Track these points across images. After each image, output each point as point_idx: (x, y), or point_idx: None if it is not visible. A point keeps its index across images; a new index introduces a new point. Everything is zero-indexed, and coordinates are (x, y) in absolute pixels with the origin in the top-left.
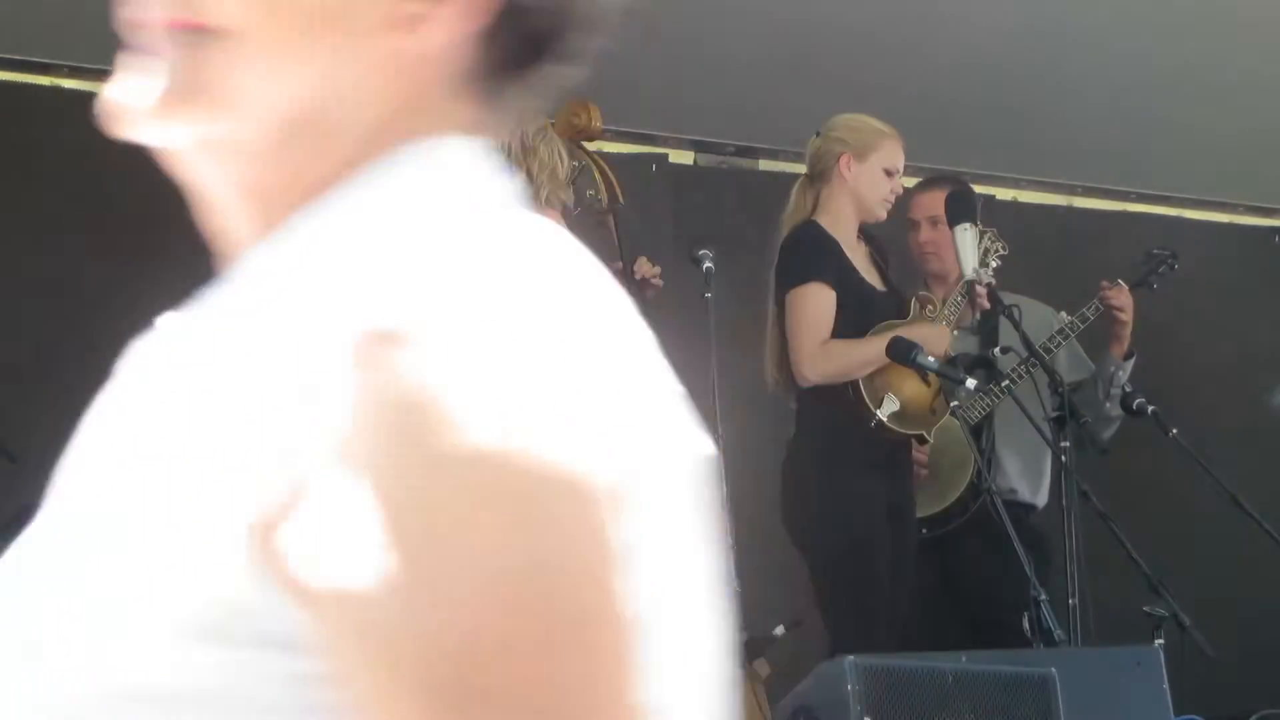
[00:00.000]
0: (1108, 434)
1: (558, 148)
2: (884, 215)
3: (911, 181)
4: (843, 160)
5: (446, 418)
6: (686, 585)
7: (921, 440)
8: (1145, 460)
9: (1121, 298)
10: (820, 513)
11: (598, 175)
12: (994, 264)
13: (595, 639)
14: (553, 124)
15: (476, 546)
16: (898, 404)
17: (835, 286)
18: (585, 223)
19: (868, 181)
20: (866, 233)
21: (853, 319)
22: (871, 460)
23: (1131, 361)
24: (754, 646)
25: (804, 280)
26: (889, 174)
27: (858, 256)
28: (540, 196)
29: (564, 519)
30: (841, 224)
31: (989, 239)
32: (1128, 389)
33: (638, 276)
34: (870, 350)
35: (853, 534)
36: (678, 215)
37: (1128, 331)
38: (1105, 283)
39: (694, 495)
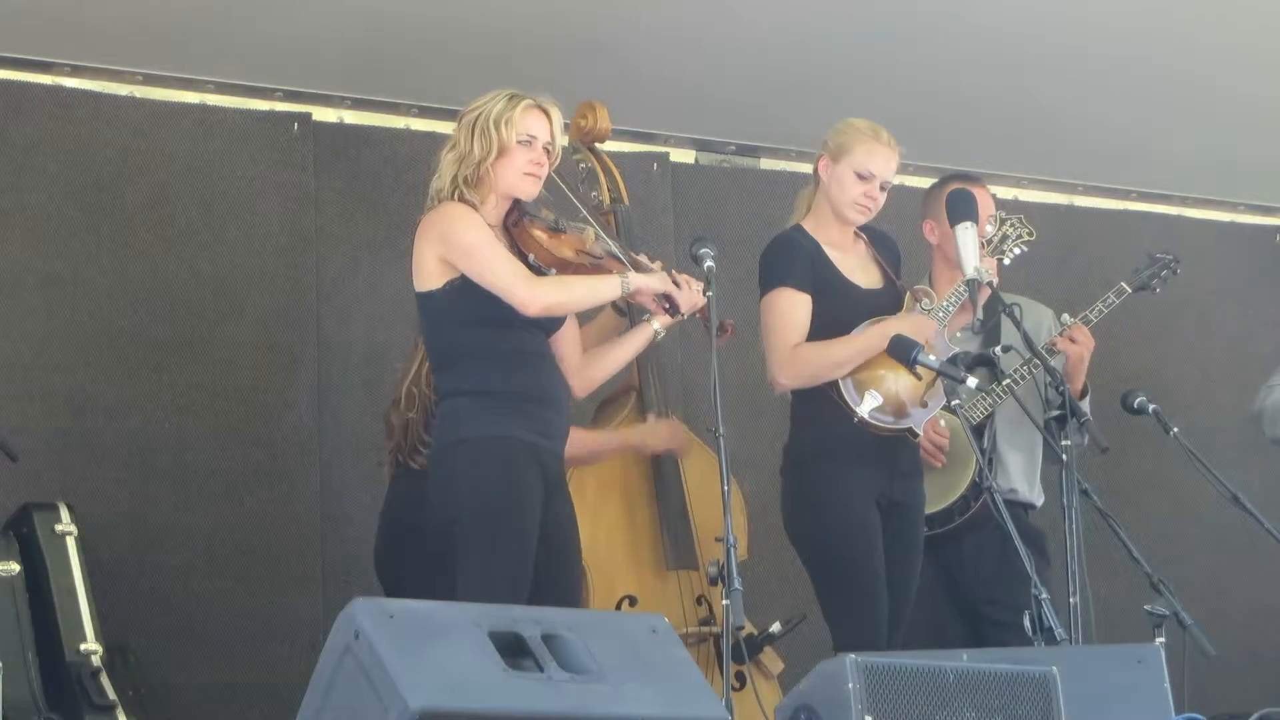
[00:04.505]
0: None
1: (478, 133)
2: (857, 219)
3: (914, 181)
4: (820, 162)
5: None
6: None
7: (913, 435)
8: (1145, 460)
9: (1079, 333)
10: (812, 511)
11: (602, 176)
12: (1018, 251)
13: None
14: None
15: None
16: (880, 400)
17: (809, 289)
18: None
19: (836, 184)
20: (873, 230)
21: (836, 318)
22: (864, 457)
23: (1085, 401)
24: (752, 643)
25: (773, 285)
26: (861, 177)
27: (848, 257)
28: (459, 177)
29: None
30: (826, 225)
31: (1011, 226)
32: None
33: None
34: (843, 352)
35: (844, 530)
36: (678, 214)
37: (1081, 371)
38: (1066, 318)
39: None
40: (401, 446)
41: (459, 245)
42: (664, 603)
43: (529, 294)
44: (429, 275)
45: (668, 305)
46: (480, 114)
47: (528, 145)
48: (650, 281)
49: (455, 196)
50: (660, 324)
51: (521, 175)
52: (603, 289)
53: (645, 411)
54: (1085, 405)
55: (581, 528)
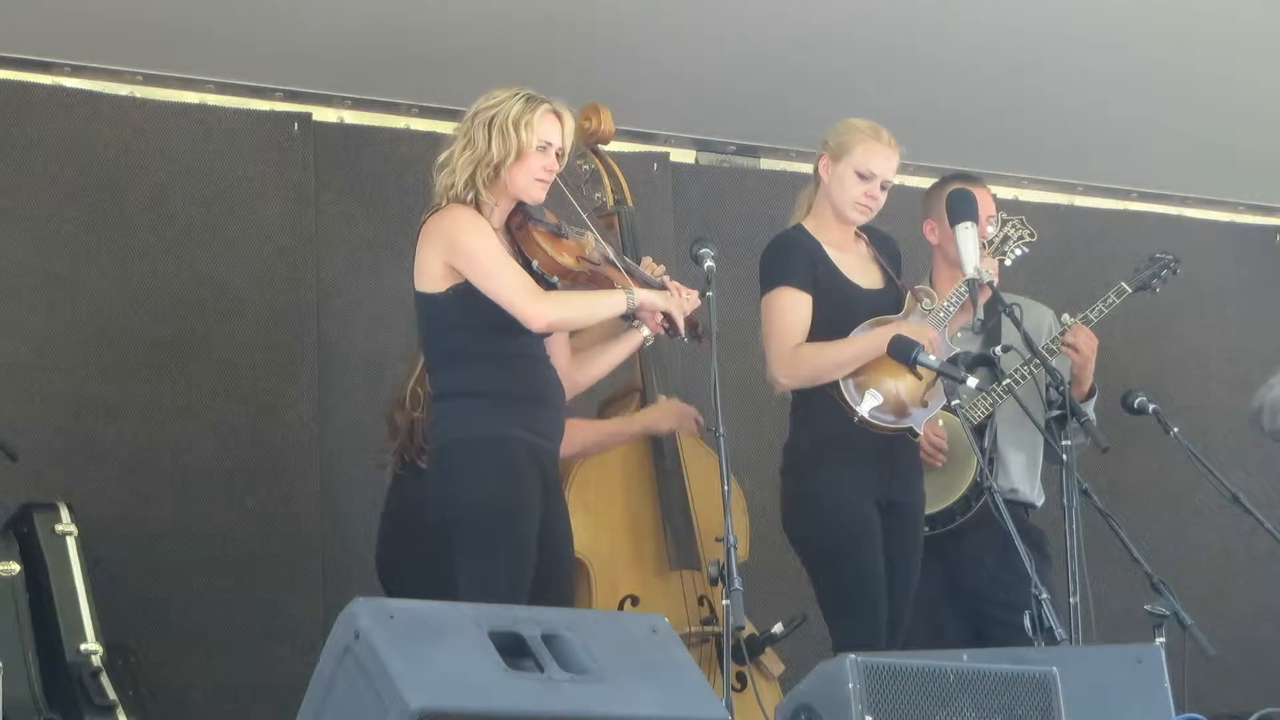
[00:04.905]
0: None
1: (496, 132)
2: (858, 218)
3: (914, 181)
4: (821, 162)
5: None
6: None
7: (913, 434)
8: (1145, 460)
9: (1079, 338)
10: (812, 511)
11: (606, 178)
12: (1019, 252)
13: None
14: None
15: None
16: (880, 399)
17: (810, 289)
18: (594, 224)
19: (838, 183)
20: (873, 230)
21: (836, 318)
22: (864, 457)
23: (1093, 402)
24: (754, 644)
25: (773, 285)
26: (861, 177)
27: (848, 257)
28: (477, 177)
29: None
30: (826, 225)
31: (1012, 227)
32: (1092, 419)
33: None
34: (844, 353)
35: (844, 531)
36: (678, 214)
37: (1087, 373)
38: (1067, 316)
39: None
40: (408, 446)
41: (466, 252)
42: (666, 602)
43: (534, 310)
44: (433, 277)
45: (668, 325)
46: (497, 114)
47: (543, 151)
48: (654, 299)
49: (469, 198)
50: (650, 331)
51: (534, 180)
52: (607, 305)
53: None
54: (1091, 406)
55: (584, 527)
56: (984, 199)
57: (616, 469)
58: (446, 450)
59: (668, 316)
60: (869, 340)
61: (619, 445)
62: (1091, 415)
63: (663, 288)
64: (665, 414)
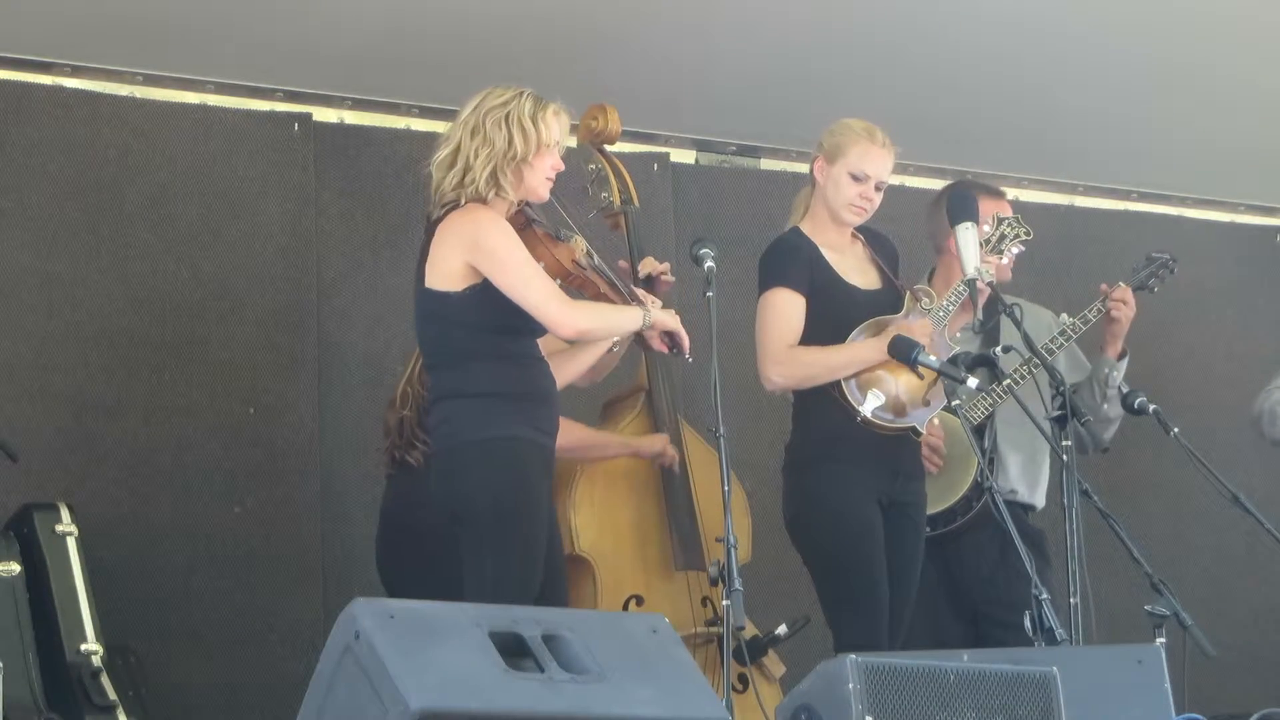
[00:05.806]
0: (1108, 434)
1: (516, 128)
2: (853, 219)
3: (914, 181)
4: (816, 164)
5: None
6: None
7: (915, 434)
8: (1145, 460)
9: (1124, 298)
10: (815, 510)
11: (612, 178)
12: (1016, 249)
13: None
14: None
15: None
16: (883, 399)
17: (806, 291)
18: (599, 224)
19: (832, 185)
20: (869, 231)
21: (833, 320)
22: (866, 457)
23: (1125, 361)
24: (757, 645)
25: (770, 286)
26: (856, 178)
27: (845, 258)
28: (500, 174)
29: None
30: (823, 227)
31: (1008, 225)
32: (1124, 388)
33: (642, 274)
34: (838, 358)
35: (846, 530)
36: (678, 214)
37: (1123, 332)
38: (1105, 286)
39: None
40: (397, 444)
41: (492, 254)
42: (671, 603)
43: (565, 317)
44: (450, 276)
45: (671, 345)
46: (512, 110)
47: (553, 150)
48: (665, 319)
49: (490, 195)
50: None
51: (544, 179)
52: (628, 320)
53: (654, 412)
54: (1124, 366)
55: (589, 527)
56: (1003, 210)
57: (622, 469)
58: (456, 451)
59: (672, 337)
60: (866, 349)
61: (599, 458)
62: (1119, 377)
63: (634, 297)
64: (653, 442)
